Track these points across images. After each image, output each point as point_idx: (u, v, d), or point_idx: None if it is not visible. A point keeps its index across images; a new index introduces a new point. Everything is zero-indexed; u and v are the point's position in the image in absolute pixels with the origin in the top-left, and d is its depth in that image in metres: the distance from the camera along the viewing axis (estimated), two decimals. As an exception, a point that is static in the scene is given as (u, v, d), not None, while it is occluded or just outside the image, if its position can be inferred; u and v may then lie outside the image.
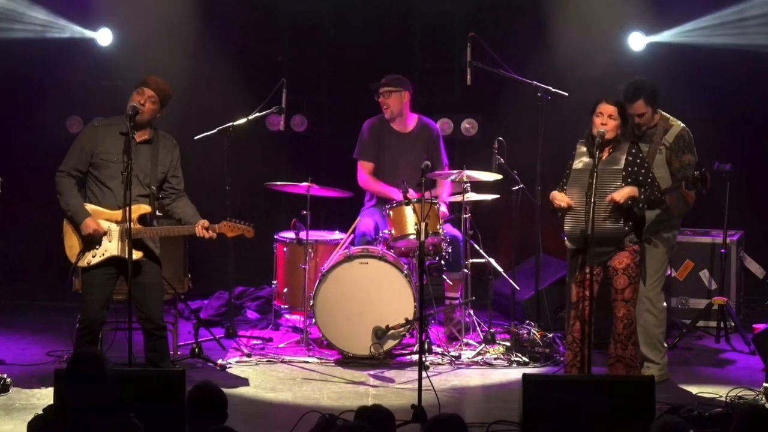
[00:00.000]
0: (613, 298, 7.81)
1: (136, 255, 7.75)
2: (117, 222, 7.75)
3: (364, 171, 9.71)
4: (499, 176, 9.25)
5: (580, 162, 7.85)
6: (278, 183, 9.44)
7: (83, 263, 7.84)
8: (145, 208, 7.82)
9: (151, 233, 7.83)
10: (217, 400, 5.73)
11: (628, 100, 8.17)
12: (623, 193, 7.64)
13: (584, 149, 7.85)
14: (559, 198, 7.79)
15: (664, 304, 8.56)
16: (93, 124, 7.99)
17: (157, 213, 8.03)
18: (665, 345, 8.51)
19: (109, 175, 7.77)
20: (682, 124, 8.34)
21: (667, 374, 8.46)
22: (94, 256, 7.81)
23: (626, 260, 7.75)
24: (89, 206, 7.83)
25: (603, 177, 7.70)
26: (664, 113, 8.39)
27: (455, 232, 9.39)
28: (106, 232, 7.77)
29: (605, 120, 7.72)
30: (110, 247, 7.78)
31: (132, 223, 7.66)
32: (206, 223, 7.83)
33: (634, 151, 7.78)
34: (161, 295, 8.06)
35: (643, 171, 7.75)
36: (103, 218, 7.78)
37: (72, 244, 7.88)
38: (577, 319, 7.79)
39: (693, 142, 8.31)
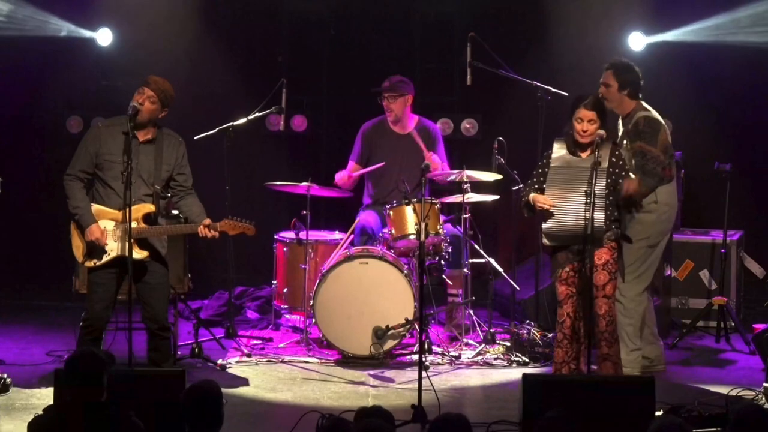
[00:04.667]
0: (594, 296, 7.83)
1: (142, 254, 7.80)
2: (121, 222, 7.76)
3: (346, 169, 9.72)
4: (499, 176, 9.25)
5: (559, 160, 7.88)
6: (278, 183, 9.44)
7: (90, 264, 7.88)
8: (148, 207, 7.84)
9: (153, 232, 7.84)
10: (210, 403, 5.67)
11: (605, 67, 8.36)
12: (634, 185, 7.75)
13: (563, 148, 7.89)
14: (542, 200, 7.82)
15: (640, 297, 8.40)
16: (97, 125, 8.06)
17: (167, 212, 8.06)
18: (634, 343, 8.34)
19: (113, 176, 7.79)
20: (648, 113, 8.30)
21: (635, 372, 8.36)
22: (100, 257, 7.84)
23: (605, 256, 7.79)
24: (95, 206, 7.86)
25: (585, 175, 7.75)
26: (645, 104, 8.38)
27: (455, 231, 9.39)
28: (107, 245, 7.79)
29: (585, 126, 7.79)
30: (115, 247, 7.80)
31: (136, 223, 7.71)
32: (208, 221, 7.85)
33: (617, 153, 7.84)
34: (167, 296, 8.08)
35: (623, 174, 7.80)
36: (108, 218, 7.81)
37: (78, 244, 7.92)
38: (567, 316, 7.83)
39: (653, 132, 8.23)
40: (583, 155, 7.83)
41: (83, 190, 7.88)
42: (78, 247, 7.92)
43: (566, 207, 7.74)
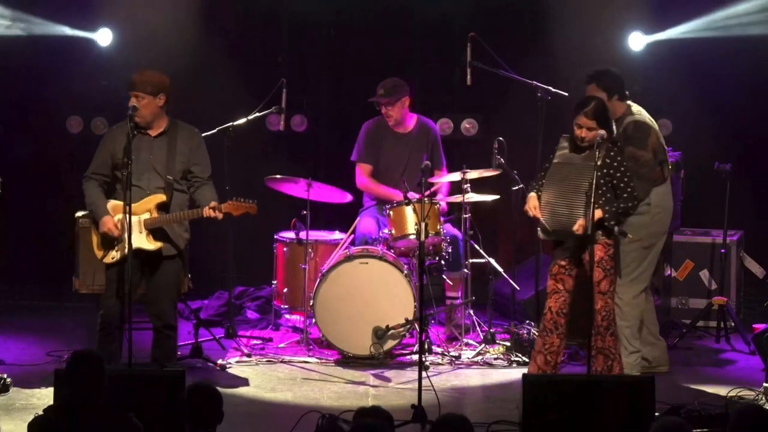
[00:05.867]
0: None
1: (155, 245, 7.98)
2: (136, 215, 7.87)
3: (363, 174, 9.71)
4: (498, 171, 9.24)
5: (561, 156, 7.97)
6: (278, 176, 9.41)
7: (108, 259, 8.03)
8: (160, 198, 7.99)
9: (164, 221, 7.98)
10: (210, 403, 5.67)
11: (585, 82, 8.36)
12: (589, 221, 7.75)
13: (566, 146, 7.97)
14: (530, 206, 7.92)
15: (637, 300, 8.38)
16: (111, 128, 8.30)
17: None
18: (633, 345, 8.34)
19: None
20: (638, 117, 8.29)
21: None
22: (117, 251, 7.97)
23: (599, 253, 7.82)
24: (112, 202, 8.01)
25: (581, 172, 7.80)
26: (634, 106, 8.37)
27: (455, 231, 9.39)
28: (119, 236, 7.90)
29: (584, 133, 7.85)
30: (132, 239, 7.85)
31: (149, 213, 7.94)
32: (214, 203, 7.98)
33: (612, 153, 7.84)
34: (175, 295, 8.21)
35: (618, 174, 7.81)
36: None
37: (98, 242, 8.09)
38: (548, 310, 7.94)
39: (644, 136, 8.26)
40: (582, 152, 7.89)
41: (97, 188, 8.09)
42: (98, 245, 8.09)
43: (561, 203, 7.83)
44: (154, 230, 7.97)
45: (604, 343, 7.85)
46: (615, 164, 7.82)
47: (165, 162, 7.99)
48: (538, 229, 7.96)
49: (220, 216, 7.99)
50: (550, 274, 7.96)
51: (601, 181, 7.76)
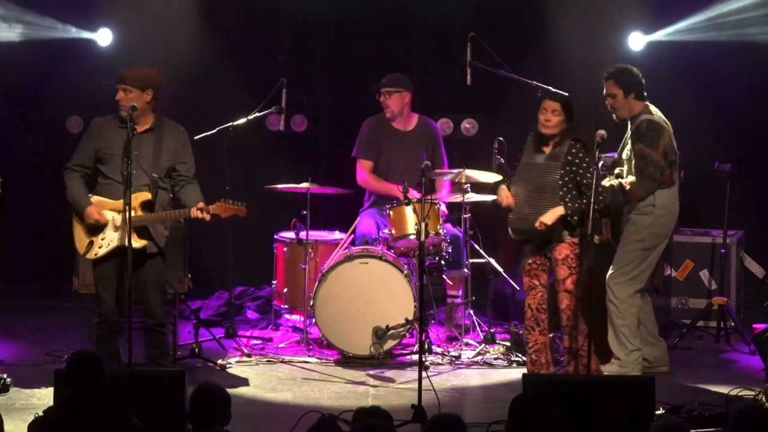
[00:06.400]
0: (557, 290, 7.95)
1: (140, 243, 7.87)
2: (121, 212, 7.80)
3: (363, 169, 9.71)
4: (498, 176, 9.25)
5: (526, 156, 8.13)
6: (278, 186, 9.43)
7: (91, 255, 7.96)
8: (145, 196, 7.92)
9: (150, 219, 7.91)
10: (219, 403, 5.69)
11: (604, 78, 8.37)
12: (550, 216, 7.85)
13: (532, 144, 8.10)
14: (503, 196, 8.07)
15: (632, 299, 8.35)
16: (96, 121, 8.15)
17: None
18: (632, 344, 8.34)
19: (112, 169, 7.89)
20: (650, 116, 8.29)
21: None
22: (100, 247, 7.92)
23: (565, 251, 7.95)
24: (95, 198, 7.94)
25: (545, 171, 7.92)
26: (652, 107, 8.38)
27: (455, 231, 9.39)
28: (107, 222, 7.85)
29: (549, 116, 7.98)
30: (115, 237, 7.85)
31: (134, 211, 7.77)
32: (202, 204, 7.92)
33: (574, 151, 7.90)
34: (162, 291, 8.15)
35: (581, 171, 7.85)
36: (108, 209, 7.89)
37: (80, 237, 8.01)
38: (528, 307, 8.08)
39: (656, 136, 8.22)
40: (546, 150, 7.98)
41: (78, 180, 8.00)
42: (80, 240, 8.01)
43: (527, 203, 7.98)
44: (138, 228, 7.86)
45: (573, 344, 7.88)
46: (577, 161, 7.87)
47: (151, 159, 7.94)
48: (509, 228, 8.05)
49: (207, 217, 7.94)
50: (523, 272, 8.10)
51: (566, 178, 7.82)
